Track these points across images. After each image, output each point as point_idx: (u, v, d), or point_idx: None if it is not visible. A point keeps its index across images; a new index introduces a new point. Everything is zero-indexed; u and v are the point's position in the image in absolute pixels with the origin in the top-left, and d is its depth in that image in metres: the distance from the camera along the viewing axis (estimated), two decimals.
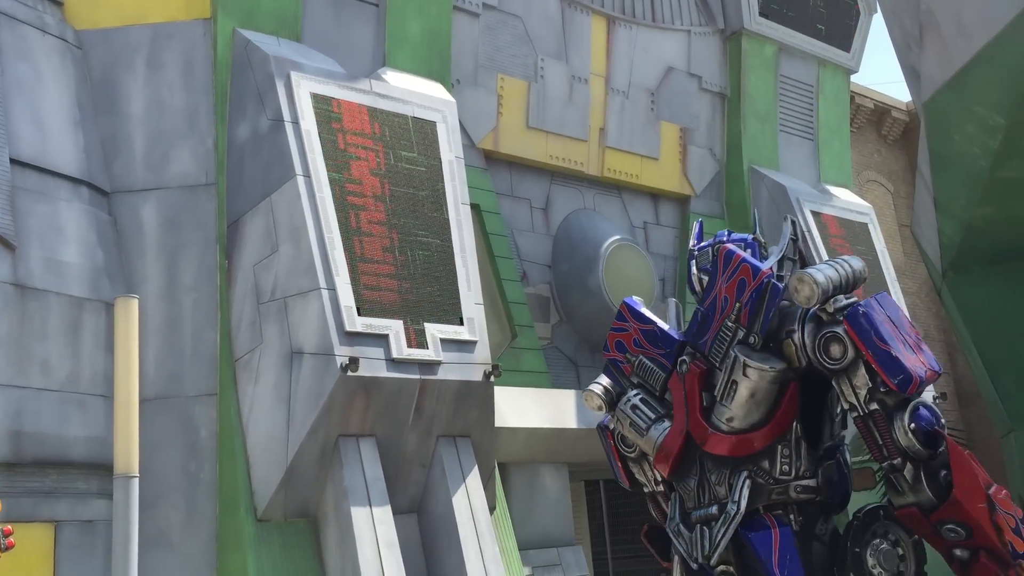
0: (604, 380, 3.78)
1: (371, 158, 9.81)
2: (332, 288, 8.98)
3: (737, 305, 3.09)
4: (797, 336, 3.06)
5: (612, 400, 3.61)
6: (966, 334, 12.08)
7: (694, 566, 3.04)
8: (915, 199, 14.92)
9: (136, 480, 6.27)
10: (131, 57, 9.81)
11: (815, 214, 14.65)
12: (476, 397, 9.90)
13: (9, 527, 5.19)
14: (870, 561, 3.00)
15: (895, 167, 23.69)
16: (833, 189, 15.73)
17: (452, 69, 11.65)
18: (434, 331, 9.61)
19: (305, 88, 9.58)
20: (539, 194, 13.23)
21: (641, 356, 3.46)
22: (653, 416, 3.25)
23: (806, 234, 14.14)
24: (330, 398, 8.80)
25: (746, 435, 2.99)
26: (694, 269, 3.66)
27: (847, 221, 15.10)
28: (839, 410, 3.26)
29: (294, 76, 9.55)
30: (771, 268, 3.24)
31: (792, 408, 3.10)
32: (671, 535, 3.25)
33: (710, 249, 3.61)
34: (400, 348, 9.27)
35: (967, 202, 12.12)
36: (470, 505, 9.65)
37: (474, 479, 9.84)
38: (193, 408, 9.46)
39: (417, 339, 9.45)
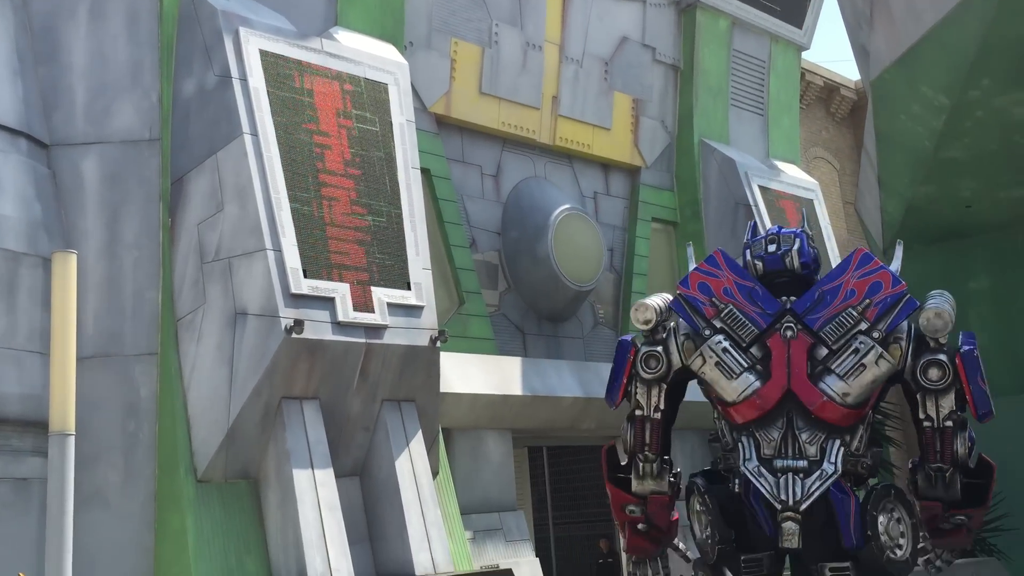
0: (660, 300, 3.94)
1: (320, 118, 9.68)
2: (278, 249, 8.89)
3: (867, 301, 3.52)
4: (904, 345, 3.58)
5: (661, 321, 3.81)
6: None
7: (778, 506, 3.38)
8: (860, 177, 15.16)
9: (72, 438, 6.16)
10: (73, 6, 9.52)
11: (763, 189, 14.81)
12: (422, 362, 9.89)
13: None
14: (881, 526, 3.42)
15: (842, 145, 24.01)
16: (781, 164, 15.91)
17: (405, 31, 11.51)
18: (381, 295, 9.57)
19: (254, 44, 9.40)
20: (490, 161, 13.18)
21: (733, 305, 3.58)
22: (745, 365, 3.51)
23: (753, 208, 14.32)
24: (274, 360, 8.73)
25: (854, 410, 3.44)
26: (748, 256, 3.90)
27: (793, 197, 15.29)
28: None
29: (243, 32, 9.36)
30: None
31: (877, 398, 3.63)
32: (749, 474, 3.46)
33: (763, 240, 3.91)
34: (346, 311, 9.22)
35: (910, 181, 12.33)
36: (413, 469, 9.67)
37: (418, 443, 9.86)
38: (133, 367, 9.31)
39: (363, 303, 9.40)
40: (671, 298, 3.93)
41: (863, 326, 3.52)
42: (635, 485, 3.76)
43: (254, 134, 9.08)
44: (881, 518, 3.43)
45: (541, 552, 13.67)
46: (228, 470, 8.98)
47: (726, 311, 3.60)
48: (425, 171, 11.39)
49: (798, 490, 3.32)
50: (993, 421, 10.92)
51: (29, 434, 8.43)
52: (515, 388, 11.82)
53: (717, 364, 3.54)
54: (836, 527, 3.41)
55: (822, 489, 3.37)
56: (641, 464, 3.69)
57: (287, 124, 9.37)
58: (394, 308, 9.62)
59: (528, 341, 12.97)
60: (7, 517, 8.23)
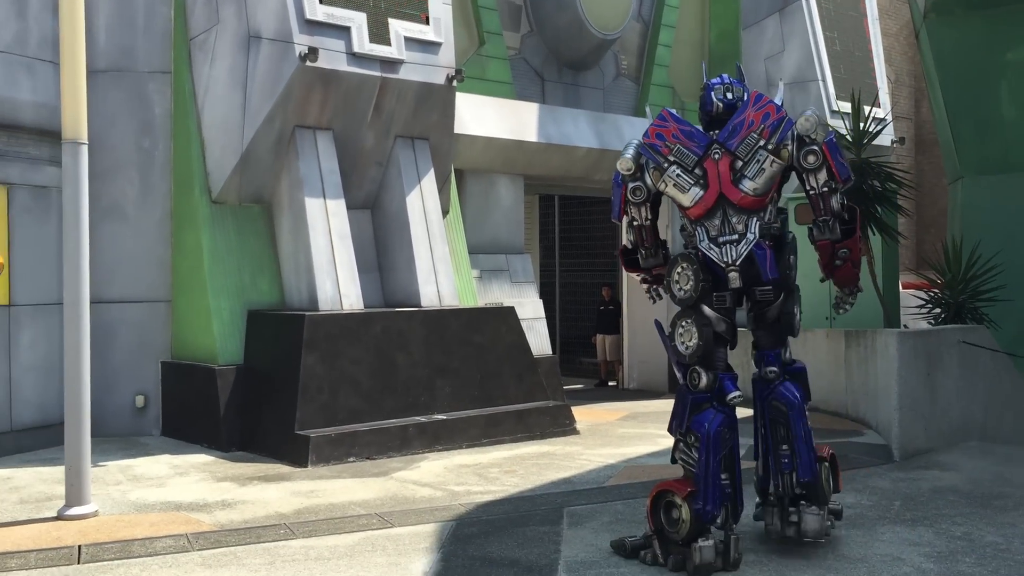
0: (633, 151, 5.67)
1: None
2: None
3: (762, 126, 5.32)
4: (790, 147, 5.33)
5: (639, 166, 5.62)
6: (935, 78, 11.92)
7: (722, 265, 5.34)
8: None
9: (85, 147, 6.23)
10: None
11: None
12: (437, 100, 9.80)
13: None
14: (791, 262, 5.54)
15: None
16: None
17: None
18: (398, 28, 9.33)
19: None
20: None
21: (679, 145, 5.45)
22: (692, 181, 5.42)
23: None
24: (287, 87, 8.66)
25: (760, 198, 5.35)
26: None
27: None
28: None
29: None
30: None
31: (776, 186, 5.48)
32: (703, 249, 5.41)
33: (706, 93, 5.65)
34: (362, 42, 9.03)
35: None
36: (423, 206, 9.83)
37: (429, 181, 9.96)
38: (147, 84, 9.28)
39: (380, 34, 9.19)
40: (637, 145, 5.69)
41: (761, 143, 5.32)
42: (642, 263, 5.87)
43: None
44: (791, 258, 5.52)
45: (546, 295, 14.14)
46: (242, 193, 9.15)
47: (675, 149, 5.46)
48: None
49: (733, 252, 5.35)
50: (1007, 198, 10.82)
51: (45, 143, 8.52)
52: (530, 134, 11.76)
53: (675, 185, 5.43)
54: (760, 275, 5.38)
55: (747, 249, 5.33)
56: (644, 252, 5.82)
57: None
58: (411, 43, 9.41)
59: (547, 88, 12.76)
60: (28, 222, 8.49)
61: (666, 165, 5.42)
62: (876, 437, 8.98)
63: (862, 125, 10.15)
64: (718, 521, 5.10)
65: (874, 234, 10.08)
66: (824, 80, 13.88)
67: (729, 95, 5.54)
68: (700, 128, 5.51)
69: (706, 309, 5.36)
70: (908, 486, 7.04)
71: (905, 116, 22.37)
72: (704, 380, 5.27)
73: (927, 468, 7.70)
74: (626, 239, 5.93)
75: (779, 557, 5.22)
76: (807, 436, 5.29)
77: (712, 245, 5.35)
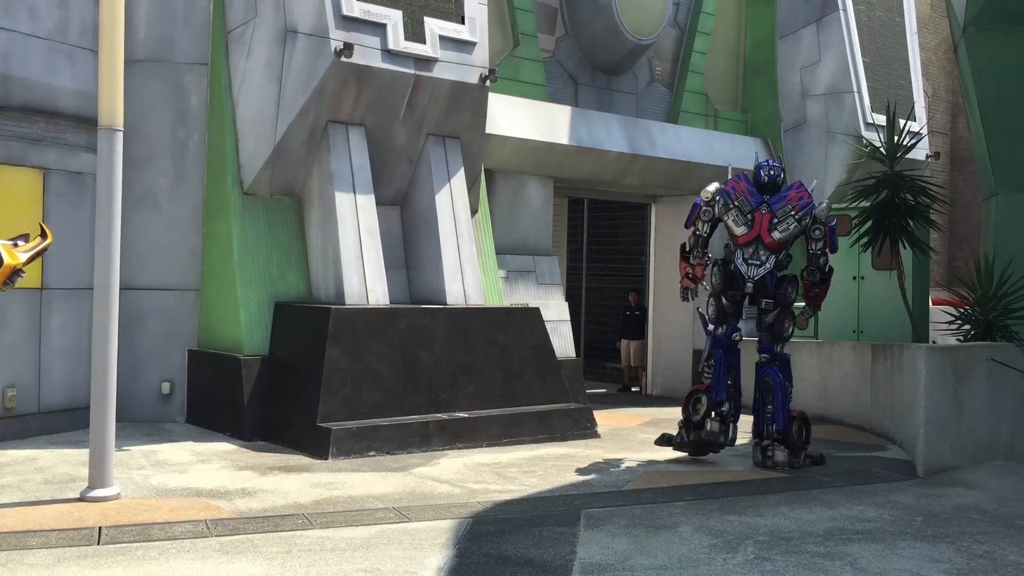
0: (714, 187, 8.37)
1: None
2: None
3: (796, 203, 8.07)
4: (807, 220, 8.06)
5: (716, 198, 8.29)
6: (973, 93, 11.77)
7: (746, 278, 8.10)
8: None
9: (120, 133, 6.31)
10: None
11: None
12: (469, 100, 9.83)
13: None
14: (790, 288, 8.28)
15: None
16: None
17: None
18: (434, 26, 9.37)
19: None
20: None
21: (743, 197, 8.13)
22: (744, 222, 8.09)
23: None
24: (322, 81, 8.72)
25: (781, 245, 8.08)
26: (756, 172, 8.36)
27: None
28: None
29: None
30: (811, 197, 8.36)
31: (790, 241, 8.21)
32: (737, 264, 8.17)
33: (758, 169, 8.30)
34: (397, 39, 9.08)
35: None
36: (452, 204, 9.86)
37: (459, 180, 9.99)
38: (184, 75, 9.38)
39: (415, 32, 9.24)
40: (719, 186, 8.36)
41: (792, 213, 8.05)
42: (692, 260, 8.51)
43: None
44: (790, 288, 8.19)
45: (572, 299, 14.12)
46: (273, 185, 9.22)
47: (740, 199, 8.15)
48: None
49: (754, 272, 8.07)
50: None
51: (83, 130, 8.64)
52: (562, 137, 11.76)
53: (734, 220, 8.12)
54: (766, 289, 8.17)
55: (763, 273, 8.06)
56: (696, 252, 8.43)
57: None
58: (446, 41, 9.45)
59: (580, 91, 12.75)
60: (63, 207, 8.60)
61: (731, 207, 8.20)
62: (900, 452, 8.89)
63: (896, 138, 10.07)
64: (724, 409, 8.11)
65: (905, 248, 9.98)
66: (859, 92, 13.78)
67: (772, 173, 8.22)
68: (757, 191, 8.20)
69: (723, 299, 8.26)
70: (931, 503, 6.97)
71: (941, 131, 22.13)
72: (720, 330, 8.30)
73: (951, 485, 7.62)
74: (688, 241, 8.54)
75: (796, 569, 5.19)
76: (784, 402, 8.14)
77: (743, 263, 8.18)
